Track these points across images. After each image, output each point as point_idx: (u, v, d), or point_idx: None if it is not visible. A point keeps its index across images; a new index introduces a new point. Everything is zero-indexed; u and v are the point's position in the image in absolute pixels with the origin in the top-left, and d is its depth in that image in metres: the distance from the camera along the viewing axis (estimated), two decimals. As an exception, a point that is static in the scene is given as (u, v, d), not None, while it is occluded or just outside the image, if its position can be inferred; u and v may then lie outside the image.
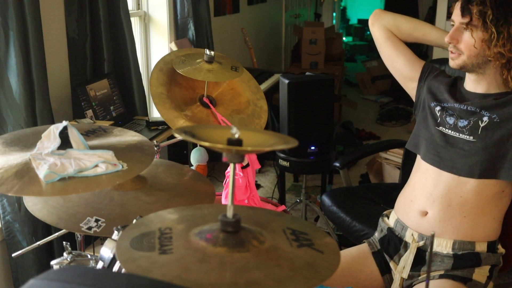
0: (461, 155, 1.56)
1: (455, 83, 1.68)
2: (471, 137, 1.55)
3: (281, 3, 6.49)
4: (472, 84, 1.62)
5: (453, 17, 1.57)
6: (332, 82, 2.73)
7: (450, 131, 1.60)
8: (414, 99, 1.78)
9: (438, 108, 1.64)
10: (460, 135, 1.57)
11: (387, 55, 1.80)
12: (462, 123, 1.57)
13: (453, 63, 1.59)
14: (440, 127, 1.62)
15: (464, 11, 1.51)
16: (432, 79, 1.71)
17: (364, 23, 11.19)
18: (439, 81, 1.69)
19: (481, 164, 1.53)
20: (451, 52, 1.58)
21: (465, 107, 1.59)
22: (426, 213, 1.61)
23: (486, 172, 1.53)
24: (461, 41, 1.55)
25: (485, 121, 1.54)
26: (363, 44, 10.29)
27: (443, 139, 1.60)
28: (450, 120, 1.60)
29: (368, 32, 10.79)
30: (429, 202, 1.60)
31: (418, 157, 1.71)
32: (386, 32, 1.78)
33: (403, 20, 1.79)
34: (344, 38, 10.39)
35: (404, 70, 1.77)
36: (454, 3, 1.58)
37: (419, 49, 6.65)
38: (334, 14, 10.21)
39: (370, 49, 9.94)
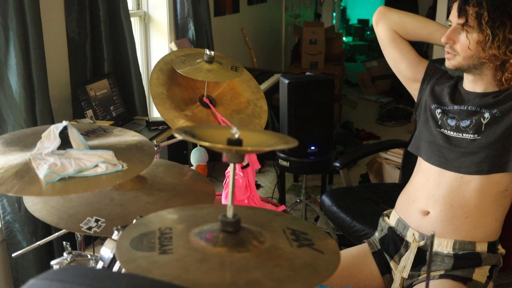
0: (467, 154, 1.55)
1: (456, 84, 1.68)
2: (475, 135, 1.55)
3: (281, 3, 6.49)
4: (470, 84, 1.62)
5: (451, 17, 1.57)
6: (332, 82, 2.73)
7: (452, 133, 1.59)
8: (415, 99, 1.77)
9: (438, 110, 1.64)
10: (464, 135, 1.57)
11: (391, 57, 1.78)
12: (465, 123, 1.57)
13: (449, 63, 1.59)
14: (441, 129, 1.62)
15: (461, 12, 1.51)
16: (435, 81, 1.70)
17: (364, 23, 11.19)
18: (442, 84, 1.69)
19: (489, 159, 1.52)
20: (447, 53, 1.58)
21: (465, 107, 1.59)
22: (427, 213, 1.60)
23: (495, 167, 1.53)
24: (457, 42, 1.54)
25: (487, 118, 1.54)
26: (363, 44, 10.29)
27: (445, 140, 1.60)
28: (452, 122, 1.60)
29: (368, 32, 10.79)
30: (431, 202, 1.60)
31: (419, 158, 1.70)
32: (391, 33, 1.75)
33: (409, 19, 1.75)
34: (344, 38, 10.39)
35: (408, 72, 1.75)
36: (453, 3, 1.58)
37: (419, 49, 6.65)
38: (334, 14, 10.21)
39: (370, 49, 9.94)
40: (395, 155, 3.32)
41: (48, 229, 2.20)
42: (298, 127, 2.68)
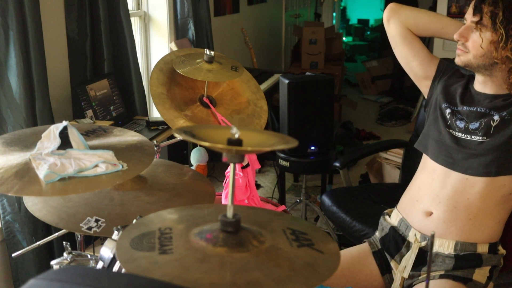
0: (475, 156, 1.54)
1: (467, 84, 1.66)
2: (484, 137, 1.54)
3: (281, 3, 6.49)
4: (481, 85, 1.61)
5: (466, 15, 1.56)
6: (332, 82, 2.73)
7: (460, 134, 1.58)
8: (426, 97, 1.76)
9: (448, 110, 1.63)
10: (472, 137, 1.56)
11: (403, 55, 1.75)
12: (474, 125, 1.56)
13: (458, 59, 1.58)
14: (450, 130, 1.61)
15: (476, 10, 1.50)
16: (447, 79, 1.69)
17: (364, 23, 11.18)
18: (453, 82, 1.67)
19: (497, 161, 1.52)
20: (459, 49, 1.58)
21: (474, 109, 1.58)
22: (430, 214, 1.60)
23: (503, 170, 1.52)
24: (469, 40, 1.54)
25: (497, 120, 1.53)
26: (363, 44, 10.28)
27: (453, 141, 1.59)
28: (461, 124, 1.59)
29: (368, 32, 10.79)
30: (435, 202, 1.59)
31: (425, 157, 1.69)
32: (403, 31, 1.72)
33: (421, 14, 1.73)
34: (344, 38, 10.39)
35: (419, 70, 1.73)
36: (470, 2, 1.57)
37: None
38: (334, 14, 10.20)
39: (370, 49, 9.93)
40: (395, 155, 3.32)
41: (48, 229, 2.20)
42: (298, 127, 2.68)
